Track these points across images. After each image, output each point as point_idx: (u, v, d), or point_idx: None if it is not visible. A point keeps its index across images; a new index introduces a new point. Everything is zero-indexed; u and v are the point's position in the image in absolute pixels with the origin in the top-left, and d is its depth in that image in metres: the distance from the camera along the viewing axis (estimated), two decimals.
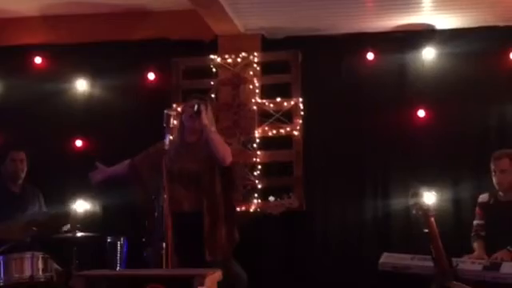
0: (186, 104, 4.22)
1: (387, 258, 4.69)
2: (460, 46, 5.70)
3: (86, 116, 6.23)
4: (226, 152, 4.04)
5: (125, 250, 3.37)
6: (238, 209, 5.35)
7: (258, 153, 5.84)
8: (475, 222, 4.89)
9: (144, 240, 3.99)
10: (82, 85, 6.25)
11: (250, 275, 4.85)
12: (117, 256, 3.33)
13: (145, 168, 4.17)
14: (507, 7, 5.45)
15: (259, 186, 5.75)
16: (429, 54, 5.83)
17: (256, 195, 5.73)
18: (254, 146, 5.84)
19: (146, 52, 6.11)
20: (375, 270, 4.69)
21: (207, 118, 4.07)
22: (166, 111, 3.88)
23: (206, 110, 4.13)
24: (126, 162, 4.33)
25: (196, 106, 3.95)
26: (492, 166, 4.77)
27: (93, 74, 6.26)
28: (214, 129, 4.12)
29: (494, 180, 4.77)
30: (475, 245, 4.78)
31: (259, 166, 5.81)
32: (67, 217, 5.27)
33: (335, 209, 5.80)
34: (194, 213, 3.98)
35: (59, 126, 6.15)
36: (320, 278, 5.65)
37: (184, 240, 3.70)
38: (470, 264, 4.40)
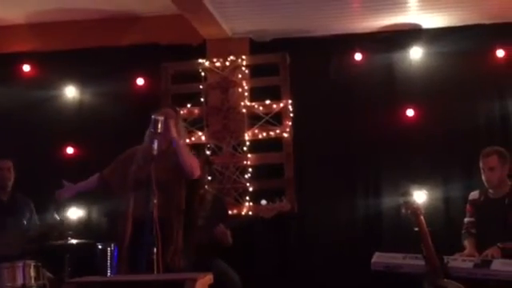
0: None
1: (379, 258, 4.69)
2: (446, 45, 5.74)
3: (76, 123, 6.23)
4: (193, 165, 4.04)
5: (115, 256, 3.37)
6: (229, 212, 5.40)
7: (249, 156, 5.85)
8: (466, 220, 4.90)
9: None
10: (71, 91, 6.26)
11: (243, 278, 4.87)
12: (107, 262, 3.33)
13: (114, 178, 4.16)
14: (492, 5, 5.49)
15: (250, 189, 5.76)
16: (416, 53, 5.86)
17: (247, 198, 5.74)
18: (245, 149, 5.85)
19: (134, 57, 6.12)
20: (367, 269, 4.71)
21: (176, 130, 4.04)
22: (153, 116, 3.87)
23: (177, 120, 4.10)
24: (96, 175, 4.32)
25: (159, 123, 3.87)
26: (481, 164, 4.78)
27: (82, 80, 6.26)
28: (182, 141, 4.10)
29: (483, 177, 4.78)
30: (466, 242, 4.79)
31: (250, 169, 5.82)
32: (59, 226, 5.26)
33: (326, 210, 5.81)
34: (157, 220, 3.83)
35: (49, 133, 6.16)
36: (313, 279, 5.66)
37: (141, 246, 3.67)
38: (461, 262, 4.41)
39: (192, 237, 4.36)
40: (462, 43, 5.68)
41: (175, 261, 3.96)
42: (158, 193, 3.80)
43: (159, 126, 3.85)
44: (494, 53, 5.74)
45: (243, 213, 5.60)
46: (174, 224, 3.99)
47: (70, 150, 6.19)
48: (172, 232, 3.98)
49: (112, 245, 3.37)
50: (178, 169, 4.02)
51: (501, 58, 5.74)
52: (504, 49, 5.72)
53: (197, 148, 5.69)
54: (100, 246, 3.41)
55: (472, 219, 4.85)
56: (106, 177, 4.25)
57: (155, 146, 3.80)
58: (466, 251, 4.67)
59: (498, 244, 4.46)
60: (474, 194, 4.92)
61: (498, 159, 4.73)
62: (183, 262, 4.03)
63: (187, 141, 5.80)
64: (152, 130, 3.88)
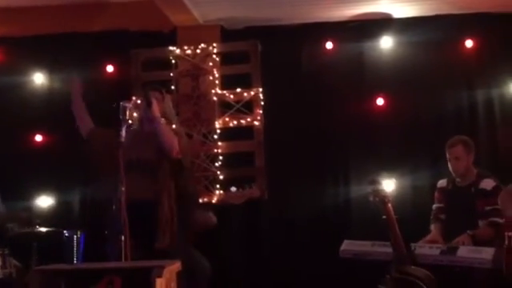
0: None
1: (348, 246, 4.74)
2: (416, 35, 5.77)
3: (45, 110, 6.14)
4: (172, 144, 4.10)
5: (82, 243, 3.35)
6: (200, 200, 5.39)
7: (219, 143, 5.84)
8: (434, 206, 4.97)
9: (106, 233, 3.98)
10: (39, 78, 6.17)
11: (213, 265, 4.87)
12: (73, 250, 3.30)
13: (100, 142, 4.20)
14: None
15: (221, 177, 5.76)
16: (386, 42, 5.89)
17: (218, 186, 5.73)
18: (215, 136, 5.84)
19: (104, 44, 6.05)
20: (336, 257, 4.75)
21: (162, 109, 4.13)
22: (121, 103, 3.86)
23: (163, 100, 4.20)
24: (90, 124, 4.37)
25: (126, 110, 3.92)
26: (447, 154, 4.85)
27: (51, 67, 6.17)
28: (163, 120, 4.16)
29: (450, 167, 4.85)
30: (432, 227, 4.87)
31: (220, 157, 5.82)
32: (27, 214, 5.21)
33: (296, 197, 5.83)
34: (146, 201, 4.00)
35: (18, 120, 6.06)
36: (282, 266, 5.69)
37: (136, 228, 3.70)
38: (428, 249, 4.47)
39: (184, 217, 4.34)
40: (432, 33, 5.72)
41: (166, 239, 3.99)
42: (145, 175, 3.89)
43: (127, 112, 3.85)
44: (463, 43, 5.79)
45: (213, 201, 5.58)
46: (160, 204, 4.02)
47: (38, 138, 6.12)
48: (160, 212, 4.01)
49: (78, 232, 3.34)
50: (161, 149, 4.08)
51: (470, 49, 5.79)
52: (473, 39, 5.77)
53: None
54: (67, 234, 3.38)
55: (441, 205, 4.93)
56: (94, 132, 4.28)
57: (123, 132, 3.79)
58: (430, 236, 4.74)
59: (468, 231, 4.53)
60: (442, 182, 4.99)
61: (464, 149, 4.80)
62: (174, 241, 4.05)
63: None
64: (120, 117, 3.87)
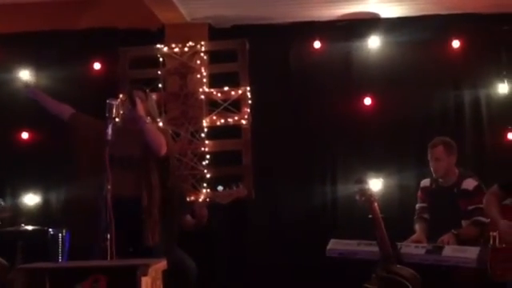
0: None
1: (334, 245, 4.77)
2: (404, 35, 5.78)
3: (31, 107, 6.05)
4: (160, 143, 4.10)
5: (67, 242, 3.33)
6: (187, 199, 5.38)
7: (207, 142, 5.82)
8: (418, 206, 5.00)
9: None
10: (25, 75, 6.12)
11: (199, 265, 4.87)
12: (59, 248, 3.28)
13: (83, 126, 4.22)
14: None
15: (208, 176, 5.74)
16: (374, 42, 5.90)
17: (205, 185, 5.72)
18: (203, 135, 5.83)
19: (91, 41, 6.03)
20: (323, 256, 4.76)
21: (146, 109, 4.14)
22: (108, 101, 3.84)
23: (146, 99, 4.21)
24: (70, 109, 4.34)
25: (113, 108, 3.89)
26: (429, 154, 4.89)
27: (37, 64, 6.13)
28: (149, 119, 4.14)
29: (431, 167, 4.89)
30: (417, 226, 4.90)
31: (208, 156, 5.80)
32: (12, 212, 5.18)
33: (284, 197, 5.84)
34: (132, 198, 3.99)
35: (4, 118, 6.03)
36: (269, 265, 5.68)
37: (122, 225, 3.69)
38: (414, 248, 4.51)
39: (169, 216, 4.33)
40: (419, 33, 5.74)
41: (152, 237, 3.98)
42: (130, 171, 3.89)
43: (114, 110, 3.83)
44: (450, 43, 5.81)
45: (200, 200, 5.57)
46: (145, 201, 4.02)
47: (25, 135, 6.08)
48: (145, 208, 4.00)
49: (64, 230, 3.33)
50: (147, 146, 4.08)
51: (456, 49, 5.82)
52: (459, 39, 5.80)
53: None
54: (52, 232, 3.36)
55: (424, 204, 4.96)
56: (79, 117, 4.26)
57: (109, 130, 3.78)
58: (414, 236, 4.78)
59: (453, 230, 4.57)
60: (425, 182, 5.02)
61: (444, 150, 4.84)
62: (160, 239, 4.04)
63: None
64: (107, 114, 3.86)
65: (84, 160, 4.18)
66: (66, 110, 4.35)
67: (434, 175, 4.90)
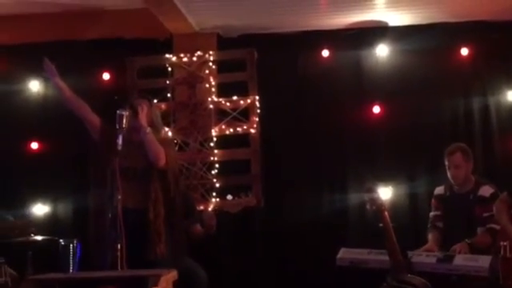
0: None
1: (345, 254, 4.74)
2: (412, 43, 5.78)
3: (41, 117, 6.13)
4: (158, 154, 4.04)
5: (78, 252, 3.33)
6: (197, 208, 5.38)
7: (216, 151, 5.83)
8: (432, 214, 4.96)
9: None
10: (35, 86, 6.15)
11: (209, 274, 4.86)
12: (69, 259, 3.29)
13: (105, 137, 4.09)
14: (457, 4, 5.55)
15: (217, 185, 5.74)
16: (382, 50, 5.90)
17: (214, 194, 5.72)
18: (211, 144, 5.83)
19: (100, 52, 6.04)
20: (333, 265, 4.74)
21: (149, 118, 4.10)
22: (118, 111, 3.85)
23: (150, 109, 4.16)
24: (94, 115, 4.20)
25: (124, 118, 3.87)
26: (446, 162, 4.85)
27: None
28: (149, 129, 4.08)
29: (449, 175, 4.84)
30: (429, 236, 4.86)
31: (216, 165, 5.80)
32: (24, 222, 5.18)
33: (293, 205, 5.83)
34: (136, 210, 3.96)
35: (13, 128, 6.05)
36: (278, 274, 5.68)
37: (127, 237, 3.67)
38: (425, 257, 4.47)
39: (173, 228, 4.30)
40: (428, 41, 5.73)
41: (155, 248, 3.95)
42: (135, 183, 3.85)
43: (124, 121, 3.84)
44: (459, 51, 5.81)
45: (209, 209, 5.57)
46: (151, 213, 3.99)
47: (34, 146, 6.10)
48: (150, 221, 3.98)
49: (75, 241, 3.33)
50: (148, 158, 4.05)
51: (465, 56, 5.82)
52: (468, 47, 5.80)
53: None
54: (62, 243, 3.36)
55: (438, 213, 4.92)
56: (106, 128, 4.11)
57: (120, 140, 3.78)
58: (426, 245, 4.74)
59: (466, 240, 4.54)
60: (439, 189, 4.99)
61: (463, 156, 4.81)
62: (165, 251, 4.01)
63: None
64: (117, 124, 3.87)
65: (95, 170, 4.16)
66: (93, 116, 4.19)
67: (452, 182, 4.85)
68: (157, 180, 4.08)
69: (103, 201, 3.89)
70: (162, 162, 4.07)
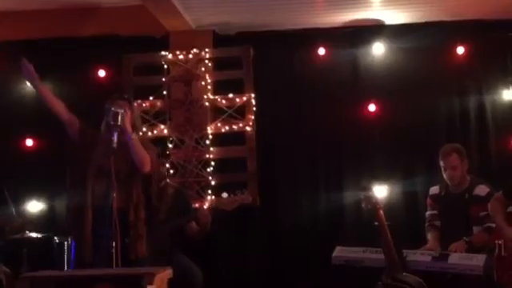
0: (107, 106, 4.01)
1: (340, 252, 4.74)
2: (408, 41, 5.79)
3: (36, 114, 6.09)
4: (144, 160, 3.97)
5: (73, 250, 3.32)
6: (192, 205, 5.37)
7: (211, 149, 5.82)
8: (428, 213, 4.96)
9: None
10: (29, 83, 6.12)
11: (204, 272, 4.86)
12: (64, 256, 3.28)
13: (84, 138, 4.04)
14: (453, 2, 5.56)
15: (212, 183, 5.74)
16: (378, 49, 5.90)
17: (209, 191, 5.72)
18: (207, 142, 5.82)
19: (96, 49, 6.02)
20: (328, 263, 4.74)
21: (130, 120, 3.95)
22: (112, 109, 3.83)
23: (132, 112, 4.01)
24: (71, 116, 4.12)
25: (119, 116, 3.81)
26: (441, 163, 4.84)
27: (42, 71, 6.08)
28: (134, 136, 3.97)
29: (446, 176, 4.84)
30: (429, 235, 4.85)
31: (212, 163, 5.80)
32: (17, 219, 5.17)
33: (288, 203, 5.83)
34: (118, 208, 3.84)
35: (8, 125, 6.02)
36: (273, 272, 5.68)
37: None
38: (420, 255, 4.48)
39: (153, 230, 4.31)
40: (424, 40, 5.74)
41: (136, 248, 3.91)
42: (117, 184, 3.79)
43: (119, 118, 3.81)
44: (455, 50, 5.81)
45: (205, 207, 5.57)
46: (132, 214, 3.94)
47: (29, 142, 6.08)
48: (131, 222, 3.93)
49: (69, 238, 3.31)
50: (133, 161, 3.98)
51: (461, 55, 5.82)
52: (464, 46, 5.80)
53: (153, 142, 5.62)
54: (57, 240, 3.35)
55: (434, 212, 4.92)
56: (80, 125, 4.06)
57: (115, 138, 3.76)
58: (428, 245, 4.74)
59: (465, 238, 4.54)
60: (434, 189, 4.99)
61: (458, 157, 4.82)
62: (144, 251, 3.97)
63: (149, 134, 5.79)
64: (112, 122, 3.83)
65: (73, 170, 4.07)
66: (65, 111, 4.11)
67: (449, 183, 4.85)
68: (139, 184, 4.02)
69: (82, 201, 3.83)
70: (148, 167, 4.00)
